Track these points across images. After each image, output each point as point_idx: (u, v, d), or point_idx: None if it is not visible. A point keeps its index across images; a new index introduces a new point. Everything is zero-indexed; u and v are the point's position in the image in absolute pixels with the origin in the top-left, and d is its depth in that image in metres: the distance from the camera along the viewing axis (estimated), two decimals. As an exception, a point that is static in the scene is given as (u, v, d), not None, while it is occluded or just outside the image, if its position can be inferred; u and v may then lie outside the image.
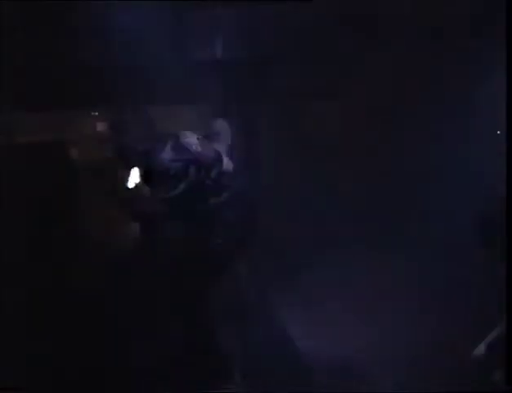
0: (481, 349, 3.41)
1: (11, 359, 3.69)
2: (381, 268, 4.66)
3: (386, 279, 4.60)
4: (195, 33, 4.23)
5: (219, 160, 3.77)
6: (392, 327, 4.09)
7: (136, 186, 3.93)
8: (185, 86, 4.24)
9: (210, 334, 3.72)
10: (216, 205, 3.73)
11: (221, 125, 3.89)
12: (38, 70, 4.99)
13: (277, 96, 4.97)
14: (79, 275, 4.51)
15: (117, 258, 4.73)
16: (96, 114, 5.59)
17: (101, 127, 5.50)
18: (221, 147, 3.85)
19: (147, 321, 4.00)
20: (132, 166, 3.86)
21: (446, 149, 4.86)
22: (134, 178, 4.73)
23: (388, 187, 4.99)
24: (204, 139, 3.77)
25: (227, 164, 3.81)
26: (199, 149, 3.70)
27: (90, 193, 5.01)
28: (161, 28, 4.32)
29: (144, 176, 3.77)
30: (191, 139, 3.74)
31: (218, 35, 4.61)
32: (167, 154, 3.67)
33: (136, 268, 4.37)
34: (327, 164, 5.13)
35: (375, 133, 5.13)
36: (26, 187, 4.76)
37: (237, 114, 3.82)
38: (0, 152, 4.92)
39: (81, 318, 4.12)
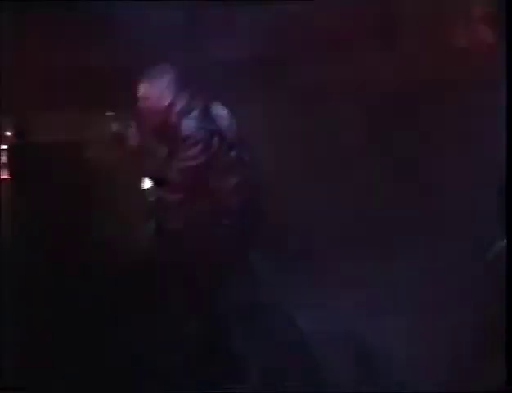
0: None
1: (12, 358, 3.71)
2: (400, 270, 4.62)
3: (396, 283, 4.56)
4: (209, 33, 4.21)
5: (243, 140, 3.66)
6: (394, 327, 4.02)
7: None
8: (197, 85, 4.20)
9: (225, 333, 3.69)
10: (227, 186, 3.62)
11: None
12: (51, 69, 5.06)
13: (292, 95, 4.99)
14: (91, 275, 4.53)
15: (130, 258, 4.71)
16: (112, 114, 5.66)
17: (116, 127, 5.55)
18: None
19: (160, 320, 3.98)
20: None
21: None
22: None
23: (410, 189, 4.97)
24: (232, 116, 3.64)
25: (247, 150, 3.72)
26: (227, 123, 3.62)
27: (105, 193, 5.03)
28: (175, 27, 4.31)
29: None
30: (222, 112, 3.63)
31: (232, 34, 4.60)
32: (193, 121, 3.51)
33: (150, 267, 4.33)
34: (347, 164, 5.12)
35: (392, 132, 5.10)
36: (40, 187, 4.82)
37: (250, 113, 3.77)
38: (14, 152, 5.09)
39: (91, 317, 4.15)
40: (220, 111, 3.59)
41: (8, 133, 5.36)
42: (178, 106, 3.52)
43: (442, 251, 4.36)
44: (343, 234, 4.64)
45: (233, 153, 3.57)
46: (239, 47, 4.74)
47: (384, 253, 4.41)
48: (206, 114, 3.54)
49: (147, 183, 4.44)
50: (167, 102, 3.50)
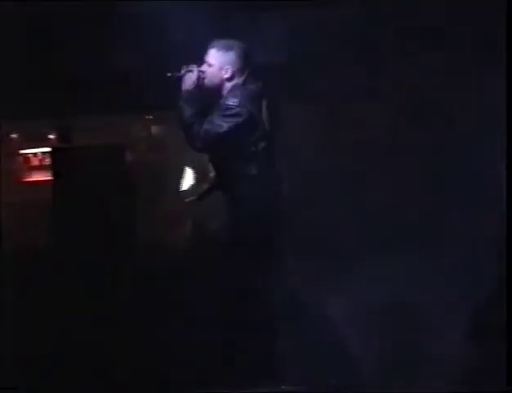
0: None
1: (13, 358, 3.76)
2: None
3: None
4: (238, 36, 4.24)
5: (278, 136, 3.75)
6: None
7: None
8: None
9: (262, 333, 3.67)
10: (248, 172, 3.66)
11: None
12: (92, 74, 5.19)
13: (318, 96, 5.03)
14: (130, 275, 4.57)
15: (170, 258, 4.79)
16: (151, 117, 5.73)
17: (154, 130, 5.64)
18: None
19: (198, 320, 4.02)
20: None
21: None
22: (188, 179, 4.82)
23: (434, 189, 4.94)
24: (277, 112, 3.78)
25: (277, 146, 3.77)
26: (269, 114, 3.71)
27: (144, 195, 5.11)
28: (210, 32, 4.34)
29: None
30: (270, 103, 3.73)
31: (259, 37, 4.64)
32: (240, 96, 3.65)
33: (189, 267, 4.44)
34: (370, 164, 5.12)
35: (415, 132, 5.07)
36: (82, 189, 4.89)
37: (277, 114, 3.84)
38: (57, 155, 5.14)
39: (125, 317, 4.20)
40: (268, 102, 3.70)
41: (51, 136, 5.53)
42: (234, 81, 3.71)
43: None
44: (377, 233, 4.67)
45: (262, 144, 3.66)
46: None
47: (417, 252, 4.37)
48: (255, 97, 3.68)
49: (185, 185, 4.57)
50: (226, 75, 3.70)
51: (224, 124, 3.59)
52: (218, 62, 3.70)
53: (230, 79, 3.71)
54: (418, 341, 3.85)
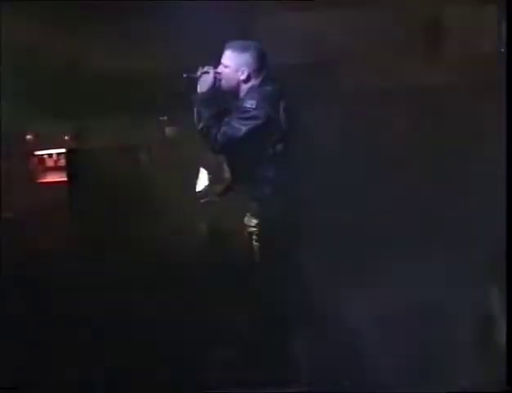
0: None
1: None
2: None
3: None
4: (263, 37, 4.22)
5: (295, 138, 3.74)
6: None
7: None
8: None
9: (277, 333, 3.71)
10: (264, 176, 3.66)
11: None
12: (105, 77, 5.25)
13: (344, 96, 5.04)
14: (143, 274, 4.58)
15: (184, 259, 4.74)
16: (165, 118, 5.78)
17: (169, 131, 5.66)
18: None
19: (211, 319, 4.04)
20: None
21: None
22: (203, 180, 4.84)
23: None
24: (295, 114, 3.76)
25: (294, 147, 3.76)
26: (287, 116, 3.70)
27: (158, 196, 5.10)
28: (227, 32, 4.34)
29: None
30: (287, 104, 3.72)
31: (285, 38, 4.64)
32: (258, 97, 3.62)
33: (203, 266, 4.45)
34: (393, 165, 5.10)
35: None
36: (97, 190, 4.96)
37: (295, 116, 3.83)
38: (71, 156, 5.27)
39: (140, 315, 4.20)
40: (286, 104, 3.68)
41: (66, 138, 5.56)
42: (251, 83, 3.70)
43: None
44: (393, 233, 4.64)
45: (280, 145, 3.65)
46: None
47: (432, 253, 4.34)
48: (272, 99, 3.65)
49: (200, 186, 4.59)
50: (242, 77, 3.68)
51: (242, 127, 3.57)
52: (234, 64, 3.68)
53: (246, 81, 3.69)
54: (417, 342, 3.84)
